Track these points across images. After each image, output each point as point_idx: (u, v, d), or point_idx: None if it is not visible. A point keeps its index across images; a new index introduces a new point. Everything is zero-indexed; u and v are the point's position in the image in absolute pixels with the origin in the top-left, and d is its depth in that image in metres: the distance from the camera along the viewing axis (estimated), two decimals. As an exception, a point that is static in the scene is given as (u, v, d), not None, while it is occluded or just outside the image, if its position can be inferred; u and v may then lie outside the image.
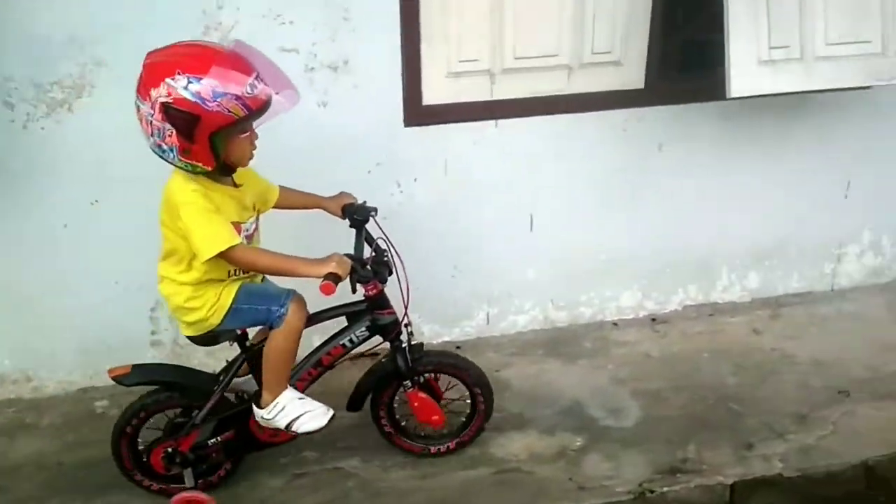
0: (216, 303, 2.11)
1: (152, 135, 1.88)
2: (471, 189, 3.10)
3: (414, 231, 2.95)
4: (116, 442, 2.32)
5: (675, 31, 2.97)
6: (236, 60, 1.87)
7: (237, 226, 2.04)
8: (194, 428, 2.29)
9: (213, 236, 1.95)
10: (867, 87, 2.90)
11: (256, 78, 1.86)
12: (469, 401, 2.54)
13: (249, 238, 2.13)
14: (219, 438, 2.32)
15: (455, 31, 2.82)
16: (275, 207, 2.30)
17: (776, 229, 3.40)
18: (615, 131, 3.10)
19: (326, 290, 1.98)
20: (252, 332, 2.35)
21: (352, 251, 2.19)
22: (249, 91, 1.84)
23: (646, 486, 2.49)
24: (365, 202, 2.35)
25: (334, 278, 1.99)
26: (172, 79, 1.80)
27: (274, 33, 2.64)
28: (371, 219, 2.29)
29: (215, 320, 2.13)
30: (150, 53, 1.90)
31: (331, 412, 2.28)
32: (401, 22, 2.77)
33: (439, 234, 3.10)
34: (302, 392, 2.29)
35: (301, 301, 2.20)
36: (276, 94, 1.92)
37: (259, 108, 1.88)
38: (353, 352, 2.34)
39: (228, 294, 2.12)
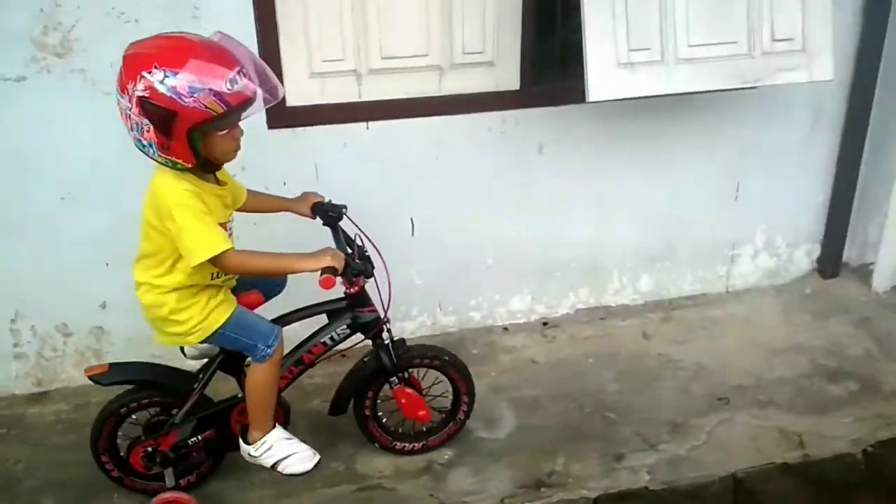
0: (202, 322, 2.05)
1: (132, 129, 1.82)
2: (345, 193, 2.94)
3: (289, 236, 2.86)
4: (95, 441, 2.29)
5: (550, 30, 2.89)
6: (218, 53, 1.79)
7: (223, 226, 1.98)
8: (174, 427, 2.26)
9: (208, 240, 1.88)
10: (753, 87, 2.83)
11: (239, 72, 1.78)
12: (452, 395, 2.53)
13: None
14: (199, 437, 2.28)
15: (315, 30, 2.72)
16: (240, 210, 2.22)
17: (665, 230, 3.34)
18: (493, 133, 3.02)
19: (327, 284, 1.96)
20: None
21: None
22: (229, 87, 1.76)
23: (507, 502, 2.41)
24: (331, 200, 2.31)
25: (332, 271, 1.96)
26: (149, 72, 1.72)
27: (117, 32, 2.50)
28: (343, 215, 2.25)
29: (194, 339, 2.08)
30: (131, 45, 1.81)
31: (317, 457, 2.26)
32: (256, 20, 2.65)
33: (315, 239, 2.98)
34: (283, 389, 2.26)
35: (282, 337, 2.18)
36: (259, 88, 1.83)
37: (239, 104, 1.80)
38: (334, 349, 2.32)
39: (217, 318, 2.06)
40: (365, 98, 2.85)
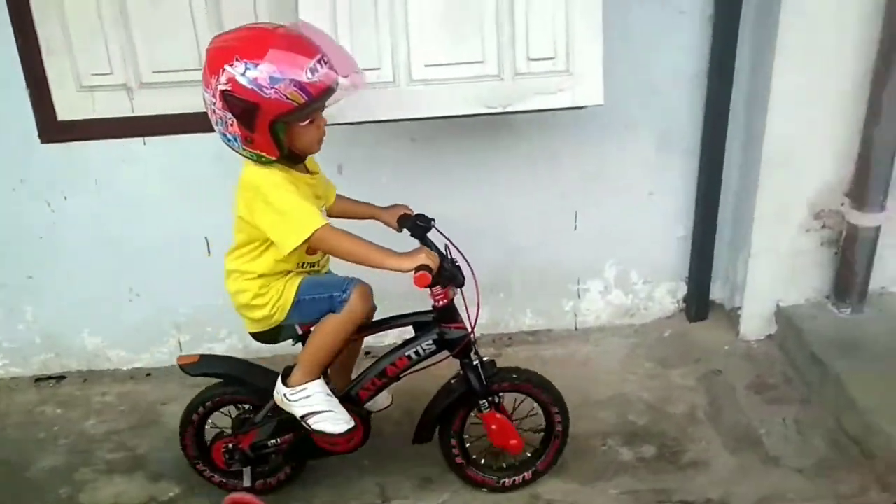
0: (279, 299, 2.04)
1: (216, 123, 1.83)
2: (130, 209, 2.91)
3: (74, 252, 2.87)
4: (182, 432, 2.32)
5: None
6: (297, 42, 1.76)
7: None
8: (254, 426, 2.24)
9: (299, 222, 1.84)
10: (580, 108, 2.49)
11: (319, 61, 1.75)
12: (543, 424, 2.35)
13: None
14: (278, 440, 2.24)
15: (78, 43, 2.62)
16: (331, 215, 2.15)
17: (496, 260, 3.04)
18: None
19: (422, 282, 1.88)
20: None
21: None
22: (310, 76, 1.73)
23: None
24: (421, 214, 2.23)
25: (428, 269, 1.88)
26: (231, 65, 1.71)
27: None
28: (432, 227, 2.16)
29: (280, 316, 2.06)
30: (214, 38, 1.82)
31: (352, 423, 2.14)
32: (14, 32, 2.59)
33: (103, 255, 2.93)
34: (364, 401, 2.21)
35: (365, 290, 2.08)
36: (343, 77, 1.80)
37: (321, 93, 1.77)
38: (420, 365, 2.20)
39: (291, 288, 2.04)
40: (139, 113, 2.73)
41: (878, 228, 2.81)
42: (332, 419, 2.12)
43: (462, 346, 2.14)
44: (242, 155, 1.88)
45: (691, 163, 2.96)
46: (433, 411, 2.27)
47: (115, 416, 2.92)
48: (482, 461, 2.39)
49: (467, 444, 2.36)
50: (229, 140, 1.85)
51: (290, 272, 2.06)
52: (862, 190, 2.75)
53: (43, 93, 2.68)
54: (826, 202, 2.87)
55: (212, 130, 2.61)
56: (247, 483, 2.26)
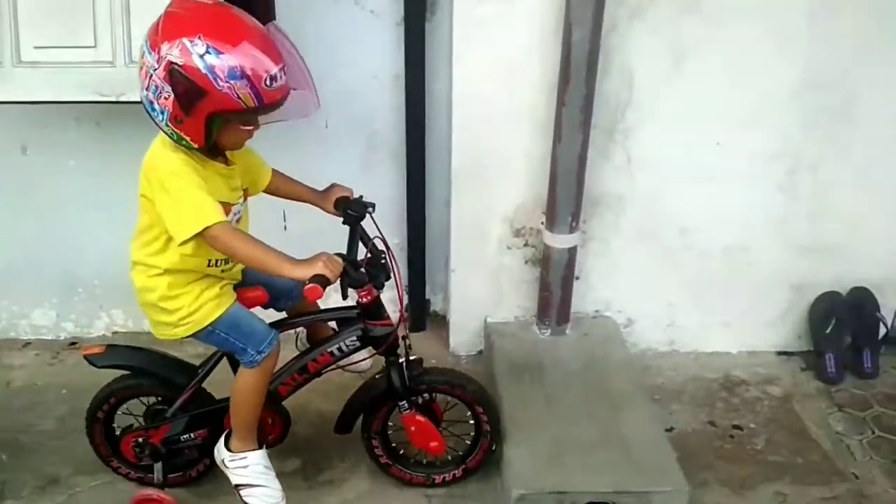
0: (191, 315, 1.91)
1: (147, 88, 1.67)
2: None
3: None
4: (90, 426, 2.22)
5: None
6: (267, 45, 1.67)
7: (226, 207, 1.82)
8: (166, 421, 2.14)
9: (195, 214, 1.70)
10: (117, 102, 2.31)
11: (281, 70, 1.67)
12: (472, 422, 2.28)
13: (237, 223, 1.93)
14: (192, 435, 2.15)
15: None
16: (265, 192, 2.09)
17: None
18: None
19: (312, 295, 1.73)
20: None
21: (344, 250, 1.94)
22: (268, 83, 1.64)
23: None
24: (361, 197, 2.09)
25: (322, 281, 1.73)
26: (191, 41, 1.58)
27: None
28: (368, 216, 2.04)
29: (182, 332, 1.93)
30: (173, 3, 1.66)
31: (283, 501, 2.10)
32: None
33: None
34: (284, 397, 2.14)
35: (278, 343, 2.02)
36: (291, 100, 1.74)
37: (271, 103, 1.68)
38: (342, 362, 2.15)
39: (209, 313, 1.92)
40: None
41: (571, 250, 2.72)
42: (263, 495, 2.07)
43: (387, 344, 2.08)
44: (162, 130, 1.73)
45: (401, 167, 2.86)
46: (353, 405, 2.22)
47: None
48: (411, 459, 2.33)
49: (393, 443, 2.32)
50: (154, 111, 1.70)
51: (203, 275, 1.92)
52: (551, 210, 2.66)
53: None
54: (525, 220, 2.79)
55: None
56: (157, 479, 2.17)
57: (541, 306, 2.85)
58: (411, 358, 2.14)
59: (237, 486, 2.09)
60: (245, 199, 1.99)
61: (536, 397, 2.54)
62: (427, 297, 3.12)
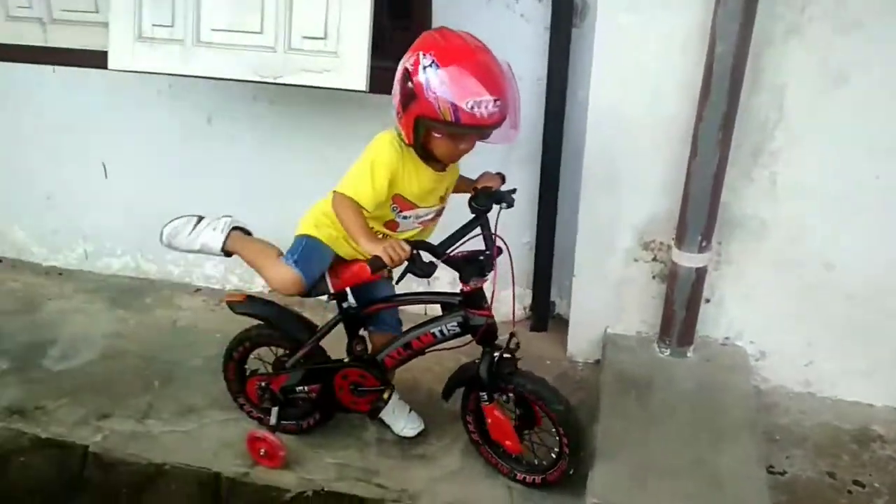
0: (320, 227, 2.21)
1: (394, 87, 1.97)
2: (44, 130, 3.36)
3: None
4: (225, 365, 2.53)
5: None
6: (487, 75, 1.85)
7: (412, 206, 2.09)
8: (285, 371, 2.40)
9: (355, 184, 1.97)
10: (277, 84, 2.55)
11: (492, 104, 1.84)
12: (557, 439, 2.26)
13: (423, 223, 2.19)
14: (306, 388, 2.38)
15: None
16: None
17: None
18: (162, 96, 3.15)
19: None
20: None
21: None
22: (468, 106, 1.83)
23: None
24: (514, 190, 2.21)
25: (376, 263, 1.87)
26: (424, 55, 1.85)
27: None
28: (492, 208, 2.14)
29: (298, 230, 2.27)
30: (440, 27, 1.97)
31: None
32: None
33: (23, 163, 3.42)
34: (390, 368, 2.35)
35: (286, 278, 2.20)
36: (498, 127, 1.94)
37: (469, 125, 1.86)
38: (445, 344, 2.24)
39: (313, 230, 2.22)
40: (50, 44, 3.14)
41: (699, 270, 2.63)
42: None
43: (482, 334, 2.16)
44: (395, 120, 2.00)
45: (536, 168, 2.91)
46: (452, 378, 2.34)
47: (9, 300, 3.39)
48: (501, 447, 2.35)
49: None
50: (393, 105, 1.97)
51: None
52: (682, 226, 2.60)
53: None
54: (656, 233, 2.73)
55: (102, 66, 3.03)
56: (272, 421, 2.38)
57: (663, 324, 2.78)
58: (506, 355, 2.17)
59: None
60: (441, 209, 2.19)
61: (638, 415, 2.50)
62: (553, 299, 3.13)
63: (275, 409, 2.40)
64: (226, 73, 2.48)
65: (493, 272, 2.10)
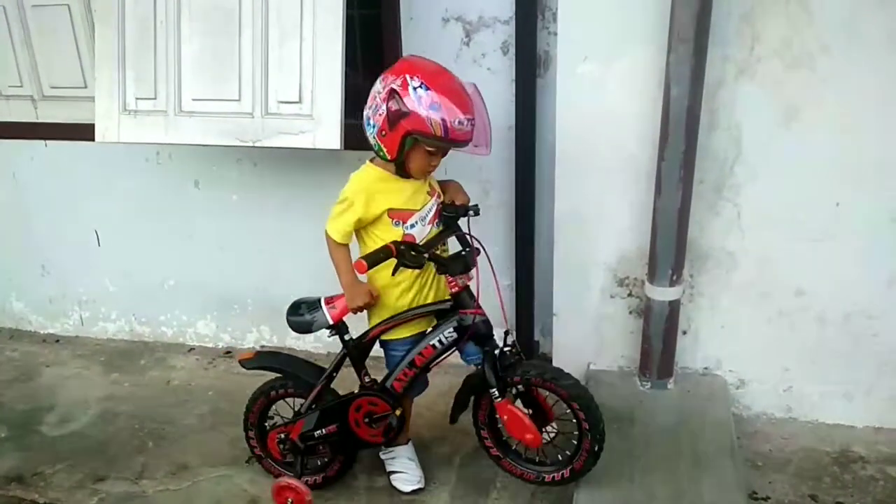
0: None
1: (370, 108, 2.13)
2: (37, 201, 3.49)
3: None
4: (246, 429, 2.57)
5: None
6: (463, 98, 2.09)
7: (409, 213, 2.23)
8: (300, 417, 2.44)
9: (335, 222, 2.20)
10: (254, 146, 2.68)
11: (469, 122, 2.09)
12: (574, 420, 2.26)
13: (433, 221, 2.30)
14: (323, 430, 2.41)
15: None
16: None
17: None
18: (150, 163, 3.27)
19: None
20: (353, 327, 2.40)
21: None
22: (455, 124, 2.05)
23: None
24: (476, 206, 2.33)
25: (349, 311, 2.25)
26: (411, 77, 2.04)
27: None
28: (462, 216, 2.29)
29: None
30: (411, 55, 2.26)
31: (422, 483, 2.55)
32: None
33: (19, 236, 3.54)
34: (400, 393, 2.37)
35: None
36: (472, 144, 2.16)
37: (452, 140, 2.07)
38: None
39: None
40: (41, 119, 3.28)
41: (673, 303, 2.71)
42: (404, 479, 2.55)
43: (476, 333, 2.22)
44: (370, 142, 2.15)
45: (512, 213, 3.01)
46: (458, 396, 2.37)
47: (7, 368, 3.47)
48: (523, 455, 2.40)
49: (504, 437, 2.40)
50: (369, 125, 2.14)
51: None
52: (652, 262, 2.69)
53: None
54: (629, 270, 2.82)
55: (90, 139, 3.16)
56: (296, 472, 2.41)
57: (642, 358, 2.85)
58: (507, 350, 2.24)
59: (388, 472, 2.55)
60: (439, 202, 2.31)
61: (619, 449, 2.54)
62: (536, 339, 3.21)
63: (297, 458, 2.45)
64: (208, 140, 2.60)
65: (478, 271, 2.22)
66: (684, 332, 2.85)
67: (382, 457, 2.60)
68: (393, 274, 2.16)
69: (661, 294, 2.69)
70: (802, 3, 2.34)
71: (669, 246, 2.62)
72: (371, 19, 2.83)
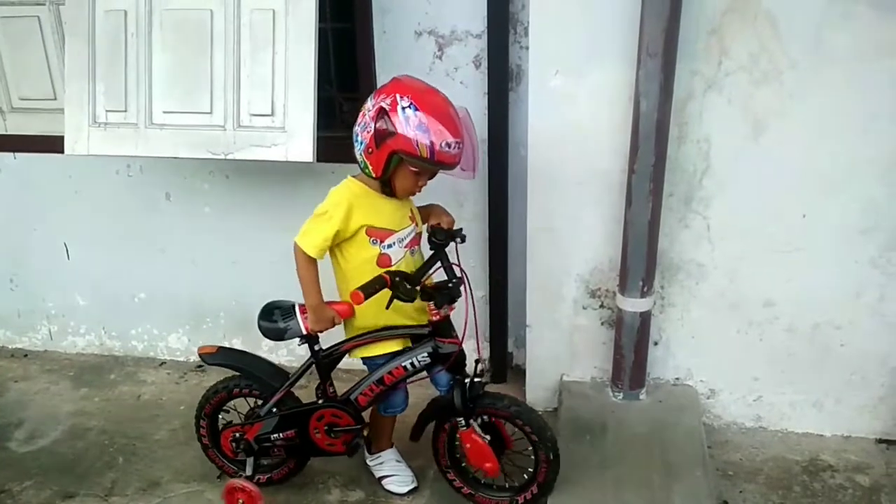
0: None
1: (359, 124, 2.14)
2: (5, 214, 3.44)
3: None
4: (197, 418, 2.55)
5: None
6: (452, 122, 2.09)
7: (388, 232, 2.22)
8: (259, 419, 2.44)
9: (307, 233, 2.17)
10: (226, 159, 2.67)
11: (458, 145, 2.09)
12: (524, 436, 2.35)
13: (409, 246, 2.30)
14: (280, 435, 2.41)
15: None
16: None
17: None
18: (121, 176, 3.24)
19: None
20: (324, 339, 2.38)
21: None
22: (442, 147, 2.05)
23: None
24: (461, 229, 2.34)
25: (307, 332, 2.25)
26: (401, 97, 2.05)
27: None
28: (449, 243, 2.28)
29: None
30: (404, 76, 2.17)
31: (415, 484, 2.59)
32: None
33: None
34: (363, 407, 2.40)
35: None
36: (459, 167, 2.17)
37: (439, 162, 2.07)
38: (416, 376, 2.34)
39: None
40: (10, 131, 3.24)
41: (644, 314, 2.74)
42: (398, 481, 2.59)
43: (453, 361, 2.25)
44: (357, 157, 2.15)
45: (485, 226, 3.02)
46: (423, 415, 2.41)
47: (-27, 383, 3.42)
48: (494, 485, 2.47)
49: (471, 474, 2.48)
50: (357, 141, 2.14)
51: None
52: (623, 273, 2.71)
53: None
54: (600, 281, 2.84)
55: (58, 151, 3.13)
56: (248, 472, 2.42)
57: (615, 369, 2.87)
58: (477, 380, 2.26)
59: (379, 478, 2.59)
60: (418, 231, 2.33)
61: (592, 459, 2.56)
62: (510, 350, 3.22)
63: (250, 459, 2.45)
64: (179, 153, 2.59)
65: (466, 302, 2.20)
66: (656, 343, 2.88)
67: (370, 463, 2.62)
68: (387, 308, 2.15)
69: (633, 305, 2.72)
70: (769, 19, 2.38)
71: (640, 258, 2.65)
72: (344, 33, 2.85)
